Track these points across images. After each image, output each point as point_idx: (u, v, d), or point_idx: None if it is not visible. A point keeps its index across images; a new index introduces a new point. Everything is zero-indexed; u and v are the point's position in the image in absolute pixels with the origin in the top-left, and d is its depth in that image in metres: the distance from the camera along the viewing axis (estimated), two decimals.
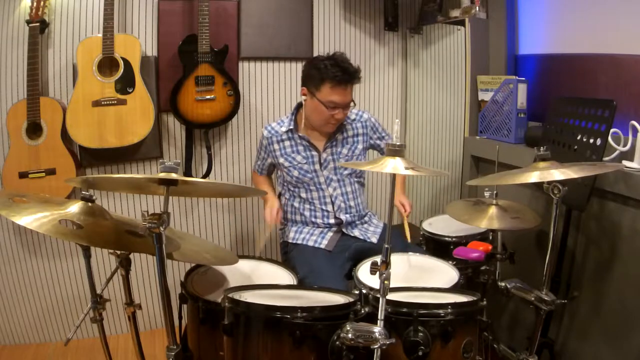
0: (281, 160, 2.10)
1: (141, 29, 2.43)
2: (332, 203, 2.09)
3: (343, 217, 2.10)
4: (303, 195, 2.10)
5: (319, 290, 1.52)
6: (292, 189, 2.12)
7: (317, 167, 2.08)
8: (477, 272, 1.82)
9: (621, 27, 1.91)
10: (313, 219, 2.10)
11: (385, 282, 1.20)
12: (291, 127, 2.08)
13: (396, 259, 1.86)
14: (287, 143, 2.10)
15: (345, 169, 2.10)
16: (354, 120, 2.16)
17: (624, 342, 1.73)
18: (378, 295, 1.21)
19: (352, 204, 2.12)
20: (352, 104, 2.02)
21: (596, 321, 1.84)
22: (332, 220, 2.09)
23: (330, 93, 1.93)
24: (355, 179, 2.15)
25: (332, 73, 1.91)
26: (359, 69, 1.99)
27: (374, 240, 2.09)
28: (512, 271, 1.82)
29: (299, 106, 2.11)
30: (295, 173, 2.08)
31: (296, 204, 2.12)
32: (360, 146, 2.15)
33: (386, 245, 1.22)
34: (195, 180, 1.41)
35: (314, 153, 2.09)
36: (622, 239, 1.74)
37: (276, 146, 2.11)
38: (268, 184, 2.29)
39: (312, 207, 2.10)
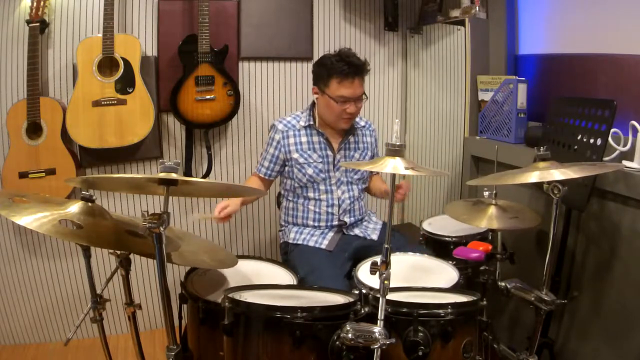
0: (295, 155, 2.05)
1: (141, 29, 2.43)
2: (339, 206, 2.09)
3: (347, 220, 2.10)
4: (310, 195, 2.09)
5: (319, 290, 1.52)
6: (298, 188, 2.10)
7: (330, 167, 2.08)
8: (477, 272, 1.82)
9: (621, 27, 1.91)
10: (316, 223, 2.09)
11: (385, 282, 1.20)
12: (310, 122, 2.07)
13: (396, 259, 1.86)
14: (303, 139, 2.07)
15: (356, 173, 2.10)
16: (364, 127, 2.19)
17: (624, 342, 1.73)
18: (378, 295, 1.21)
19: (356, 207, 2.13)
20: (364, 96, 2.02)
21: (596, 321, 1.84)
22: (335, 223, 2.09)
23: (338, 88, 1.95)
24: (363, 185, 2.16)
25: (338, 68, 1.93)
26: (366, 61, 2.00)
27: (374, 237, 2.10)
28: (512, 271, 1.82)
29: (314, 104, 2.11)
30: (310, 171, 2.06)
31: (300, 205, 2.11)
32: (370, 153, 2.18)
33: (386, 245, 1.22)
34: (195, 180, 1.41)
35: (329, 153, 2.08)
36: (622, 239, 1.74)
37: (291, 140, 2.06)
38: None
39: (318, 210, 2.08)
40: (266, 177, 2.12)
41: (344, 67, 1.93)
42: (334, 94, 1.96)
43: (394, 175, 1.27)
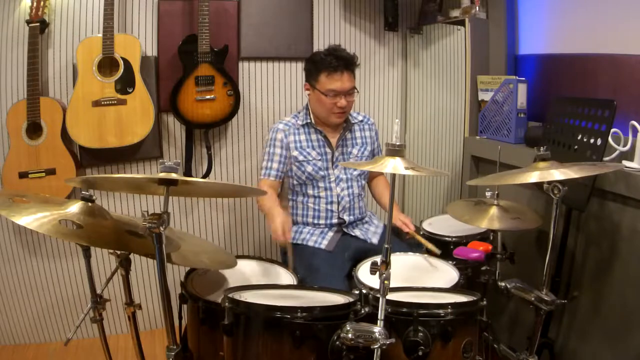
0: (295, 153, 2.06)
1: (141, 29, 2.42)
2: (338, 203, 2.09)
3: (347, 217, 2.10)
4: (310, 192, 2.09)
5: (319, 290, 1.52)
6: (297, 186, 2.11)
7: (329, 164, 2.09)
8: (477, 272, 1.82)
9: (621, 27, 1.91)
10: (316, 220, 2.09)
11: (385, 282, 1.20)
12: (308, 120, 2.09)
13: (397, 259, 1.86)
14: (302, 137, 2.09)
15: (355, 169, 2.11)
16: (362, 121, 2.19)
17: (624, 342, 1.73)
18: (378, 295, 1.21)
19: (356, 205, 2.13)
20: (355, 91, 2.04)
21: (596, 321, 1.84)
22: (335, 221, 2.09)
23: (327, 82, 1.97)
24: (363, 181, 2.16)
25: (326, 62, 1.97)
26: (355, 55, 2.03)
27: (375, 241, 2.09)
28: (512, 271, 1.82)
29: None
30: (309, 169, 2.06)
31: (300, 203, 2.11)
32: (369, 148, 2.18)
33: (386, 245, 1.22)
34: (195, 180, 1.41)
35: (328, 150, 2.09)
36: (622, 239, 1.74)
37: (292, 138, 2.08)
38: (274, 199, 2.01)
39: (317, 207, 2.09)
40: (277, 180, 2.08)
41: (332, 60, 1.96)
42: (323, 88, 1.98)
43: (394, 175, 1.27)
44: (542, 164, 1.51)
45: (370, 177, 2.30)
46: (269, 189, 2.01)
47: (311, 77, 2.03)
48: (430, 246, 1.90)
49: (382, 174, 2.31)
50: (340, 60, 1.97)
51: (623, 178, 1.67)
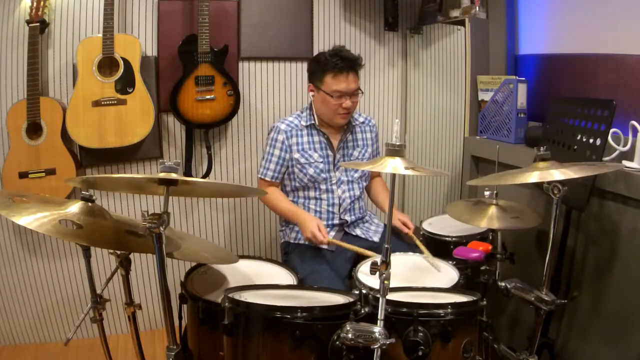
0: (296, 155, 2.05)
1: (141, 29, 2.43)
2: (340, 205, 2.09)
3: (348, 218, 2.10)
4: (311, 194, 2.09)
5: (319, 290, 1.52)
6: (300, 188, 2.10)
7: (331, 167, 2.09)
8: (477, 272, 1.82)
9: (621, 27, 1.91)
10: None
11: (385, 282, 1.20)
12: (312, 121, 2.08)
13: (397, 259, 1.86)
14: (305, 138, 2.07)
15: (356, 171, 2.11)
16: (363, 122, 2.19)
17: (624, 342, 1.73)
18: (378, 295, 1.21)
19: (356, 206, 2.13)
20: (360, 92, 2.03)
21: (596, 321, 1.84)
22: (336, 221, 2.09)
23: (333, 82, 1.96)
24: (364, 183, 2.16)
25: (332, 63, 1.96)
26: (359, 56, 2.02)
27: (376, 239, 2.10)
28: (512, 271, 1.82)
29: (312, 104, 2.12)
30: (311, 171, 2.06)
31: (301, 205, 2.10)
32: (370, 149, 2.18)
33: (386, 245, 1.22)
34: (195, 180, 1.41)
35: (329, 152, 2.08)
36: (622, 239, 1.74)
37: (294, 140, 2.06)
38: (288, 199, 2.12)
39: (319, 208, 2.08)
40: (274, 181, 2.10)
41: (337, 61, 1.95)
42: (329, 89, 1.97)
43: (394, 175, 1.27)
44: (542, 164, 1.51)
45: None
46: (272, 189, 2.08)
47: (316, 78, 2.02)
48: (427, 252, 1.89)
49: (379, 175, 2.31)
50: (345, 61, 1.96)
51: (623, 178, 1.67)
